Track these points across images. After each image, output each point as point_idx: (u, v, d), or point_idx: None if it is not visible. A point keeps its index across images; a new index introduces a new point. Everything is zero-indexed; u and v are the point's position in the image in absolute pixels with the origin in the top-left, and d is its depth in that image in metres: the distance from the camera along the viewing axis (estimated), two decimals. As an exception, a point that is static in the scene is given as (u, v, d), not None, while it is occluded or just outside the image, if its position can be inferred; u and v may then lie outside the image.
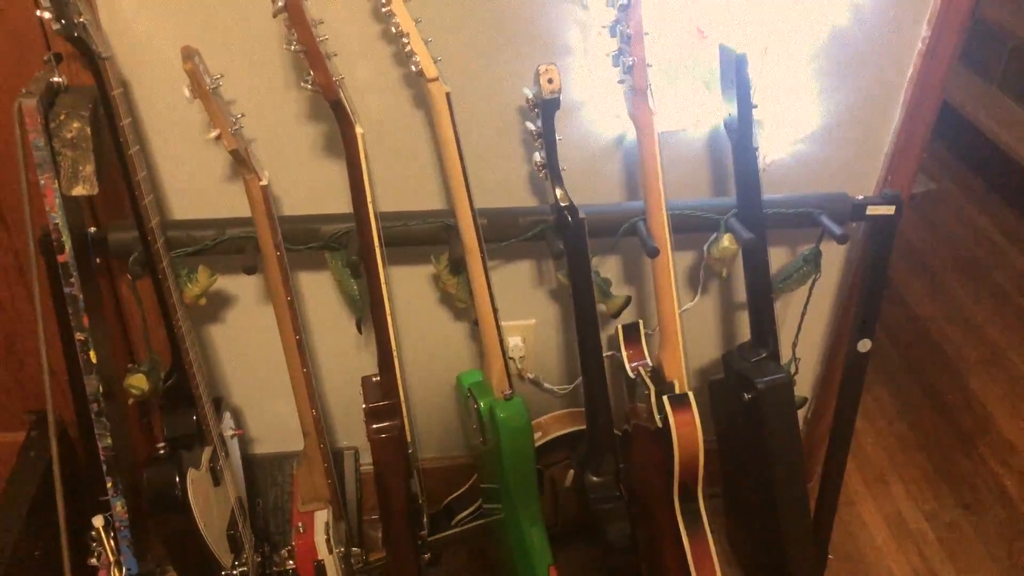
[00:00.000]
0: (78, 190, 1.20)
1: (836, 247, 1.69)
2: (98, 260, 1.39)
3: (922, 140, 1.61)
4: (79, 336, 1.28)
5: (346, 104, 1.24)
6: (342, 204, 1.50)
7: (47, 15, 1.16)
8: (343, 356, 1.73)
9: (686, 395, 1.47)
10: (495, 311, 1.47)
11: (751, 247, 1.47)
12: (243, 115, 1.28)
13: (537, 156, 1.40)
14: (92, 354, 1.30)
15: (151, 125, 1.40)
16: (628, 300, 1.57)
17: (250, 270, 1.37)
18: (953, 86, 1.56)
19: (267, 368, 1.70)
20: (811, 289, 1.64)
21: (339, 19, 1.34)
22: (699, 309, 1.76)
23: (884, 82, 1.54)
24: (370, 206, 1.33)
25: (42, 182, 1.19)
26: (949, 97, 1.54)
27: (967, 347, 2.62)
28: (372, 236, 1.36)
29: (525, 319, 1.75)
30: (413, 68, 1.29)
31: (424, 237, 1.49)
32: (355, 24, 1.36)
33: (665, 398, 1.46)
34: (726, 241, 1.50)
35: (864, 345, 1.65)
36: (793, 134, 1.57)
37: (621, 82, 1.39)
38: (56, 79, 1.25)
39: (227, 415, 1.59)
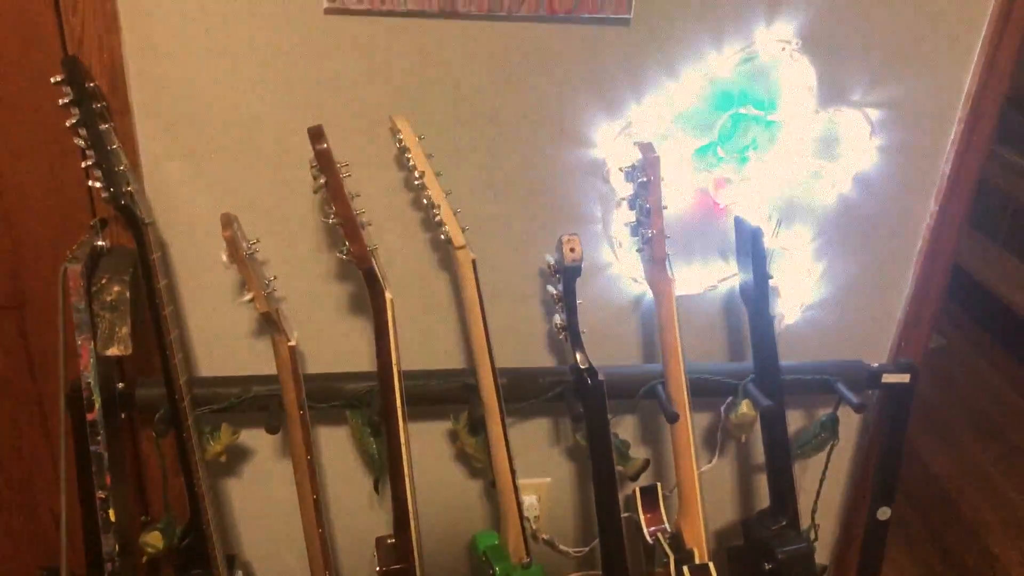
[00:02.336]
0: (113, 350, 1.24)
1: (853, 412, 1.70)
2: (123, 415, 1.40)
3: (934, 308, 1.65)
4: (100, 494, 1.28)
5: (378, 273, 1.29)
6: (364, 361, 1.53)
7: (98, 184, 1.22)
8: (356, 513, 1.72)
9: (707, 566, 1.45)
10: (513, 473, 1.47)
11: (769, 415, 1.48)
12: (275, 277, 1.32)
13: (557, 318, 1.43)
14: (111, 512, 1.29)
15: (185, 285, 1.44)
16: (647, 463, 1.57)
17: (273, 430, 1.38)
18: (959, 245, 1.60)
19: (280, 523, 1.68)
20: (829, 455, 1.64)
21: (373, 189, 1.40)
22: (717, 470, 1.75)
23: (895, 253, 1.59)
24: (395, 369, 1.35)
25: (79, 342, 1.23)
26: (956, 255, 1.59)
27: (986, 508, 2.57)
28: (395, 398, 1.37)
29: (540, 477, 1.74)
30: (442, 236, 1.35)
31: (444, 396, 1.51)
32: (388, 193, 1.42)
33: (685, 568, 1.44)
34: (744, 407, 1.51)
35: (884, 513, 1.63)
36: (806, 300, 1.61)
37: (640, 251, 1.44)
38: (100, 243, 1.30)
39: (239, 574, 1.56)
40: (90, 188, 1.30)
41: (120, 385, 1.38)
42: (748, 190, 1.50)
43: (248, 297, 1.26)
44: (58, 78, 1.19)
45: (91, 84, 1.22)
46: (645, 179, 1.35)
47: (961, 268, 3.18)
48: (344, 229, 1.23)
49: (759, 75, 1.42)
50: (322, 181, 1.19)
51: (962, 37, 1.43)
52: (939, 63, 1.44)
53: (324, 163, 1.18)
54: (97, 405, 1.26)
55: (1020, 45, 1.44)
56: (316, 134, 1.19)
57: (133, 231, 1.26)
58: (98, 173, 1.22)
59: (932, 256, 1.59)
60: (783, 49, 1.39)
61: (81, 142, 1.21)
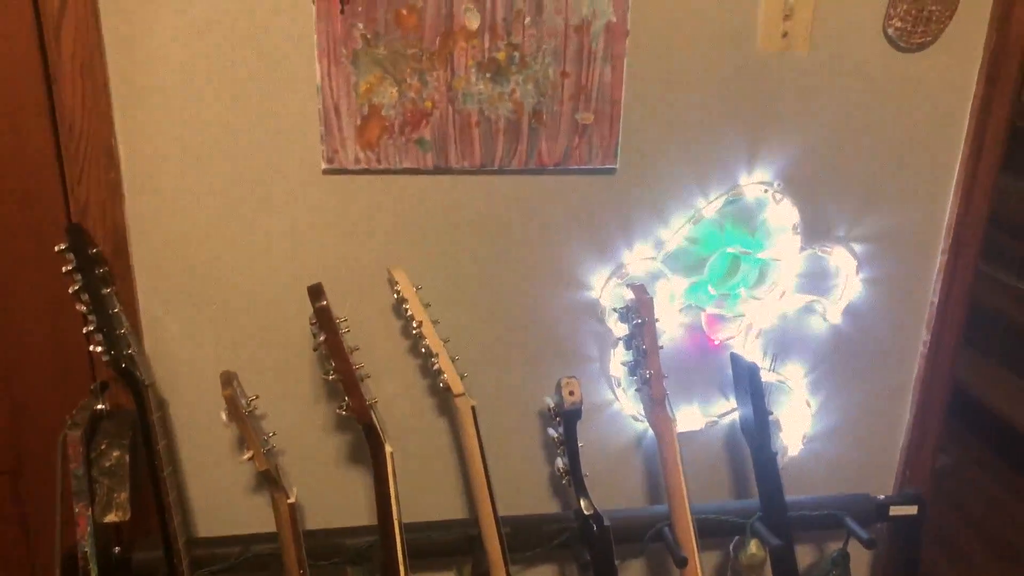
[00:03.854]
0: (111, 517, 1.22)
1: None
2: (119, 581, 1.37)
3: (936, 434, 1.64)
4: (92, 670, 1.24)
5: (377, 426, 1.28)
6: (364, 513, 1.51)
7: (99, 349, 1.23)
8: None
9: None
10: (521, 626, 1.43)
11: (779, 554, 1.45)
12: (274, 433, 1.32)
13: (559, 462, 1.42)
14: None
15: (184, 444, 1.43)
16: (657, 609, 1.53)
17: (273, 591, 1.35)
18: (956, 368, 1.62)
19: None
20: (843, 591, 1.60)
21: (372, 338, 1.42)
22: (729, 612, 1.70)
23: (892, 382, 1.60)
24: (395, 522, 1.33)
25: (77, 510, 1.21)
26: (953, 380, 1.61)
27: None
28: (396, 552, 1.34)
29: (548, 627, 1.69)
30: (441, 384, 1.35)
31: (446, 548, 1.48)
32: (387, 342, 1.44)
33: None
34: (753, 547, 1.48)
35: (906, 653, 1.58)
36: (808, 433, 1.60)
37: (639, 391, 1.45)
38: (100, 406, 1.30)
39: None
40: (91, 352, 1.31)
41: (116, 549, 1.36)
42: (742, 326, 1.52)
43: (247, 456, 1.26)
44: (62, 246, 1.22)
45: (94, 250, 1.24)
46: (639, 321, 1.37)
47: (959, 385, 3.18)
48: (343, 385, 1.24)
49: (745, 215, 1.47)
50: (322, 339, 1.21)
51: (938, 170, 1.48)
52: (918, 196, 1.49)
53: (323, 321, 1.20)
54: (94, 575, 1.23)
55: (994, 175, 1.49)
56: (315, 292, 1.21)
57: (133, 393, 1.26)
58: (99, 337, 1.23)
59: (929, 384, 1.59)
60: (765, 191, 1.44)
61: (83, 308, 1.22)
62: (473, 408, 1.37)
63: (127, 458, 1.23)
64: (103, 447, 1.22)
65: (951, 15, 1.36)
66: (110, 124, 1.27)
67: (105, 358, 1.24)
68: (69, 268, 1.22)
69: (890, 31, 1.37)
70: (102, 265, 1.25)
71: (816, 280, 1.52)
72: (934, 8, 1.34)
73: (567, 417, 1.37)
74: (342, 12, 1.26)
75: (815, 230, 1.48)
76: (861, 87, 1.41)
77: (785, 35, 1.35)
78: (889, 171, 1.47)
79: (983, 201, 1.50)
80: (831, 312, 1.53)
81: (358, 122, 1.32)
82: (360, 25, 1.26)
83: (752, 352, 1.53)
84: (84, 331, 1.23)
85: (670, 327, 1.51)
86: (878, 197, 1.48)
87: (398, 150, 1.34)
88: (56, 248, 1.22)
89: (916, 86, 1.42)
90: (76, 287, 1.22)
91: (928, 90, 1.43)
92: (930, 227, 1.52)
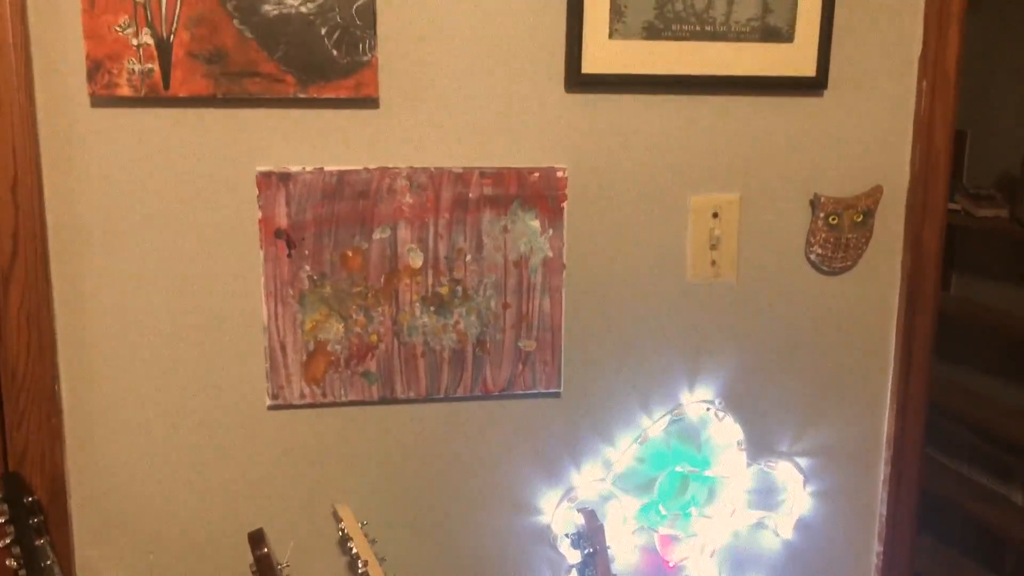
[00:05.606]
0: None
1: None
2: None
3: (901, 649, 1.61)
4: None
5: None
6: None
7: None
8: None
9: None
10: None
11: None
12: None
13: None
14: None
15: None
16: None
17: None
18: (913, 567, 1.60)
19: None
20: None
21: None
22: None
23: (850, 598, 1.58)
24: None
25: None
26: (917, 566, 1.58)
27: None
28: None
29: None
30: (388, 626, 1.30)
31: None
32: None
33: None
34: None
35: None
36: (772, 654, 1.56)
37: (595, 621, 1.40)
38: None
39: None
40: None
41: None
42: (696, 545, 1.50)
43: None
44: (-5, 499, 1.19)
45: (30, 499, 1.21)
46: (591, 550, 1.35)
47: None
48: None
49: (690, 433, 1.48)
50: (258, 584, 1.17)
51: (872, 384, 1.53)
52: (855, 410, 1.53)
53: (263, 570, 1.17)
54: None
55: (926, 389, 1.54)
56: (255, 539, 1.19)
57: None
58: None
59: (888, 597, 1.57)
60: (707, 409, 1.47)
61: (13, 563, 1.18)
62: (423, 649, 1.32)
63: None
64: None
65: (867, 241, 1.45)
66: (54, 371, 1.27)
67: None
68: (2, 520, 1.18)
69: (812, 257, 1.45)
70: (37, 514, 1.22)
71: (765, 495, 1.52)
72: (851, 236, 1.43)
73: (521, 654, 1.32)
74: (289, 256, 1.30)
75: (759, 446, 1.50)
76: (790, 309, 1.47)
77: (714, 263, 1.42)
78: (825, 386, 1.51)
79: (919, 413, 1.54)
80: (782, 527, 1.53)
81: (304, 358, 1.33)
82: (307, 267, 1.31)
83: (708, 572, 1.51)
84: (12, 589, 1.18)
85: (624, 550, 1.48)
86: (817, 412, 1.51)
87: (344, 383, 1.36)
88: (-11, 503, 1.19)
89: (842, 306, 1.49)
90: (8, 540, 1.18)
91: (854, 309, 1.49)
92: (871, 439, 1.54)
